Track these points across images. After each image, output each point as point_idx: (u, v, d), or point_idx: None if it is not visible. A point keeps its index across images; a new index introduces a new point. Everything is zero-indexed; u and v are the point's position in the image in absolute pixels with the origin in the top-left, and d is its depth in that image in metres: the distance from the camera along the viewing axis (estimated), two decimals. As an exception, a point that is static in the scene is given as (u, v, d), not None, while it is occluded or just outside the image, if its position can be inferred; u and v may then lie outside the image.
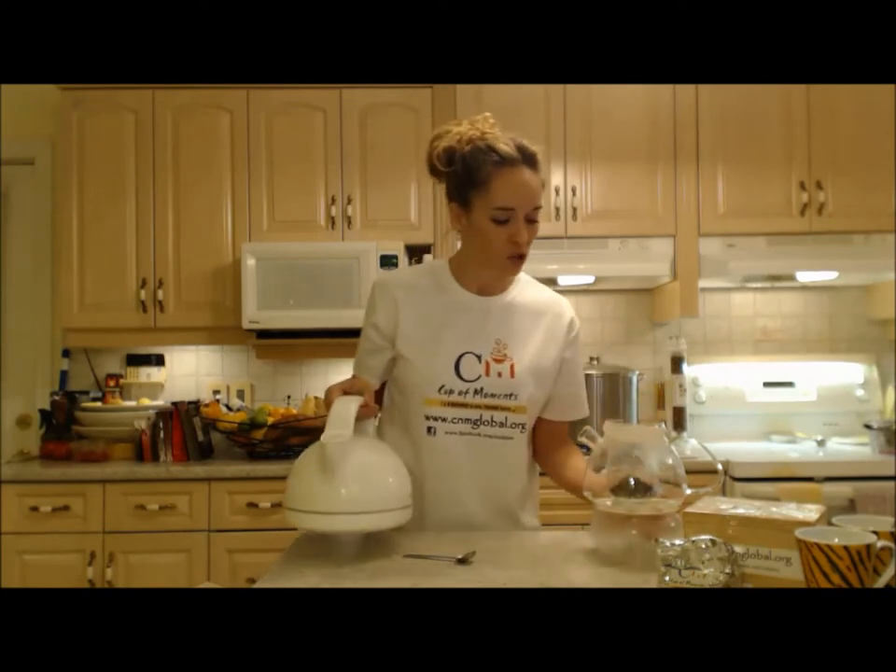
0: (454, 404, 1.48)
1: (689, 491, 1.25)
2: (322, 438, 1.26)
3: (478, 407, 1.48)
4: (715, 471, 1.31)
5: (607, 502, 1.27)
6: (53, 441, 2.97)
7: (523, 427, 1.53)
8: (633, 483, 1.25)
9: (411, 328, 1.50)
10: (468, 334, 1.50)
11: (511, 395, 1.49)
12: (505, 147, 1.42)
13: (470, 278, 1.53)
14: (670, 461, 1.26)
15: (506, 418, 1.50)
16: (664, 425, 1.32)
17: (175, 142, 3.02)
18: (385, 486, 1.30)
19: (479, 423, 1.49)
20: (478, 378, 1.48)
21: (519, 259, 1.47)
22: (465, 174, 1.44)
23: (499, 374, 1.49)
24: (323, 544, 1.35)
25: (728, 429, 3.19)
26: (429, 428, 1.49)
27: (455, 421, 1.48)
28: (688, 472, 1.27)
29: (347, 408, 1.29)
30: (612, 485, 1.27)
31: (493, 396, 1.49)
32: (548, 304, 1.58)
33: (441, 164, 1.46)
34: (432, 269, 1.59)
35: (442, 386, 1.48)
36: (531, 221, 1.45)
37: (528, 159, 1.43)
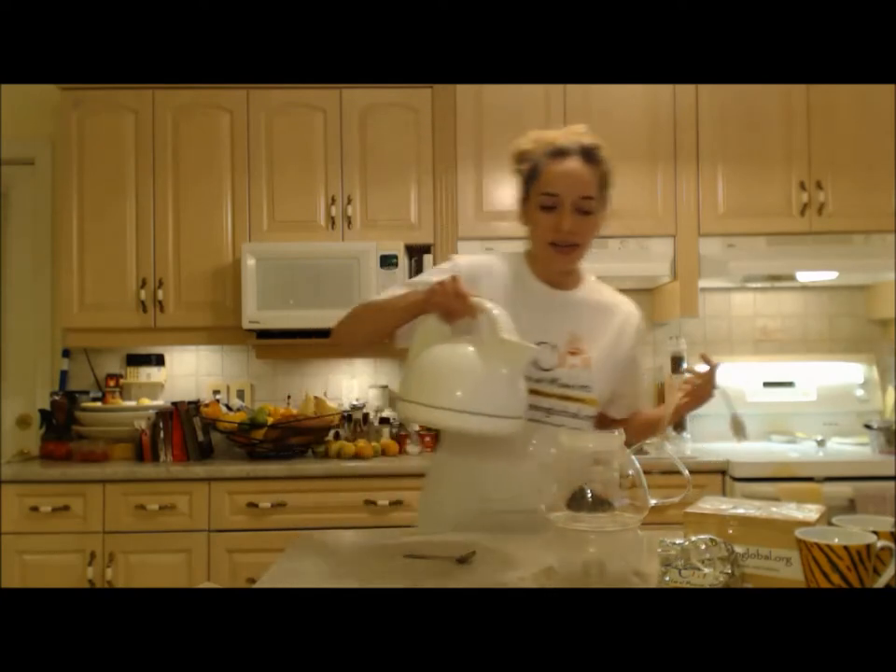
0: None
1: (654, 502, 1.15)
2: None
3: (551, 396, 1.49)
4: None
5: (562, 516, 1.16)
6: (53, 441, 2.97)
7: (592, 421, 1.54)
8: (590, 495, 1.14)
9: None
10: (544, 325, 1.51)
11: (585, 387, 1.51)
12: (564, 142, 1.49)
13: (540, 273, 1.56)
14: (631, 471, 1.15)
15: (579, 410, 1.51)
16: (622, 431, 1.20)
17: (175, 142, 3.02)
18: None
19: (551, 412, 1.49)
20: (553, 368, 1.49)
21: (567, 248, 1.49)
22: (529, 170, 1.52)
23: (574, 366, 1.50)
24: (320, 543, 1.35)
25: (728, 429, 3.17)
26: None
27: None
28: (690, 472, 1.23)
29: (505, 313, 1.28)
30: (567, 498, 1.16)
31: (567, 386, 1.50)
32: (618, 304, 1.62)
33: (513, 162, 1.55)
34: (509, 259, 1.61)
35: None
36: (583, 212, 1.48)
37: (583, 151, 1.50)
